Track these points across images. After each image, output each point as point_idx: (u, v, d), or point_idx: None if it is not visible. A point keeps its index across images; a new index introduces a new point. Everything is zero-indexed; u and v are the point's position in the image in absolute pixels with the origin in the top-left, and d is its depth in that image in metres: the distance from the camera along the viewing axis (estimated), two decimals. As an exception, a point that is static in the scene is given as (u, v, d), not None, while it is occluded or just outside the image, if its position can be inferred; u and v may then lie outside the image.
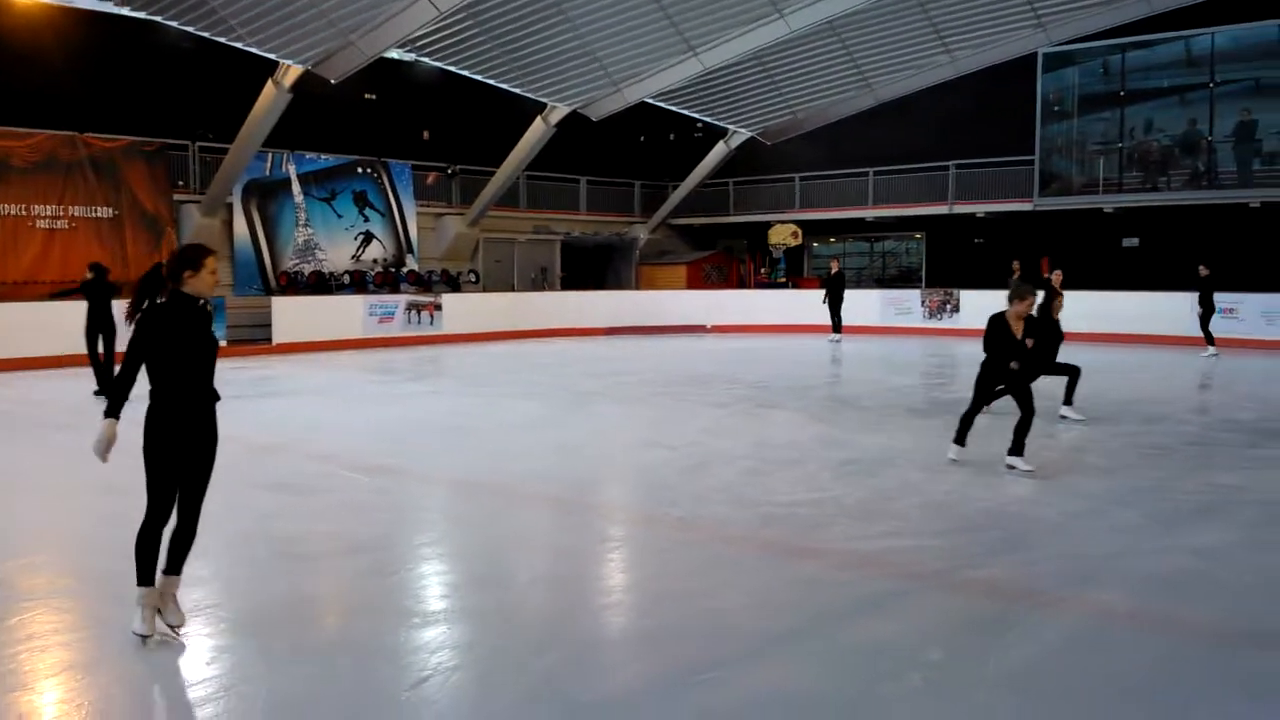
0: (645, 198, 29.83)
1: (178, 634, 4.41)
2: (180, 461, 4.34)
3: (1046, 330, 9.88)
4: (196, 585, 4.98)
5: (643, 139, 29.75)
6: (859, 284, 27.48)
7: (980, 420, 8.37)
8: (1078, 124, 23.34)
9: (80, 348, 12.75)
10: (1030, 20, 21.84)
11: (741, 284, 28.78)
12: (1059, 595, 5.08)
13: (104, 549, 5.96)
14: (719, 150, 26.98)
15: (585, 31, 20.08)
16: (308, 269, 22.39)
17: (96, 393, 12.38)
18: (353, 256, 23.34)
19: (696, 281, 28.26)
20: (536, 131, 22.81)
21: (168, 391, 4.30)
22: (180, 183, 20.79)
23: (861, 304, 23.72)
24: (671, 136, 29.61)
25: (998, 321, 7.85)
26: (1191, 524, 6.46)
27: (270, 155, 21.63)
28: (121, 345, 12.64)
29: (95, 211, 19.39)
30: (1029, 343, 7.79)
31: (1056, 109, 23.56)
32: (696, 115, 26.16)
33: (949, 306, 23.62)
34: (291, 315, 19.88)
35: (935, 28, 22.24)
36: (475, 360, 18.22)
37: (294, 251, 22.36)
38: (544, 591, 5.37)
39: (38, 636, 4.50)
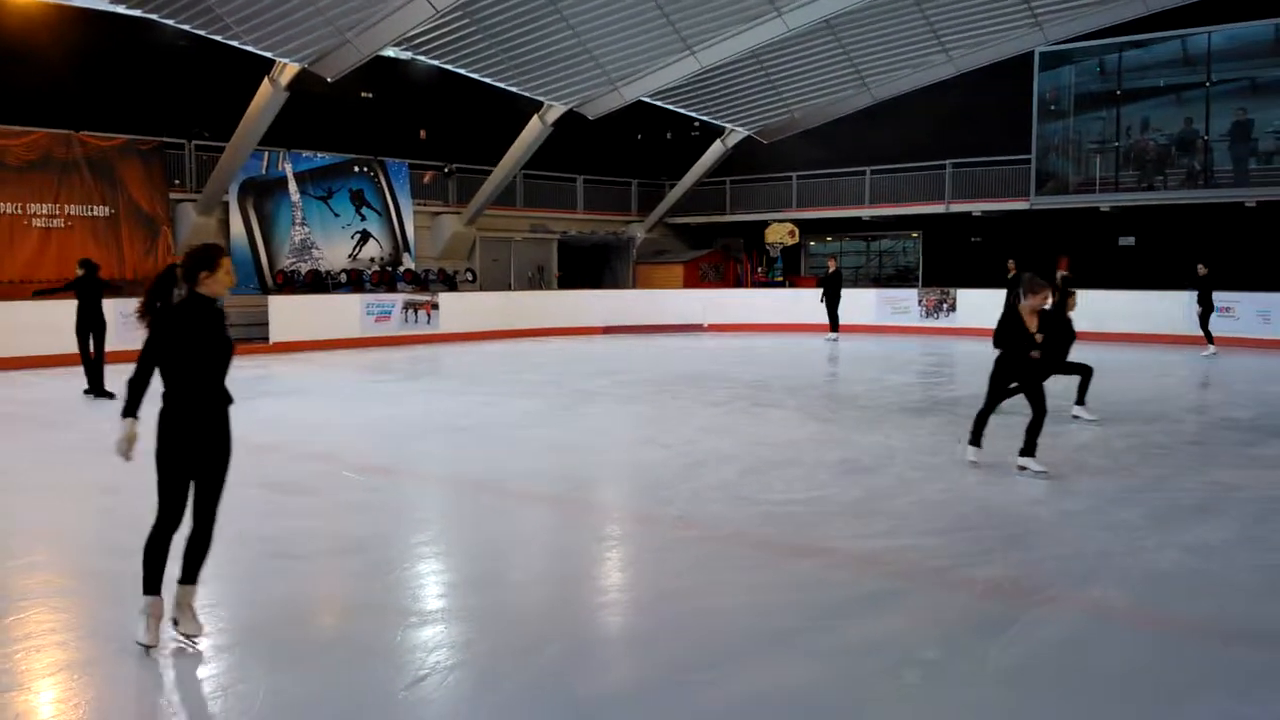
0: (642, 197, 29.83)
1: (195, 644, 4.32)
2: (193, 465, 4.26)
3: (1059, 328, 9.79)
4: (193, 584, 4.97)
5: (639, 138, 29.76)
6: (856, 283, 27.47)
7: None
8: (1074, 123, 23.36)
9: (72, 346, 12.63)
10: (1027, 19, 21.85)
11: (738, 283, 28.76)
12: (1056, 593, 5.08)
13: (99, 548, 5.96)
14: (716, 149, 26.97)
15: (582, 30, 20.07)
16: (304, 268, 22.36)
17: (86, 392, 12.19)
18: (349, 255, 23.32)
19: (693, 280, 28.24)
20: (533, 130, 22.79)
21: (182, 392, 4.22)
22: (176, 181, 20.77)
23: (858, 303, 23.75)
24: (668, 135, 29.59)
25: (1011, 315, 7.66)
26: (1189, 522, 6.46)
27: (267, 154, 21.61)
28: (112, 343, 12.63)
29: (91, 210, 19.36)
30: (1039, 338, 7.63)
31: (1053, 108, 23.58)
32: (693, 114, 26.12)
33: (946, 305, 23.65)
34: (288, 314, 19.84)
35: (932, 27, 22.25)
36: (472, 359, 18.22)
37: (290, 250, 22.33)
38: (541, 590, 5.37)
39: (34, 636, 4.49)
